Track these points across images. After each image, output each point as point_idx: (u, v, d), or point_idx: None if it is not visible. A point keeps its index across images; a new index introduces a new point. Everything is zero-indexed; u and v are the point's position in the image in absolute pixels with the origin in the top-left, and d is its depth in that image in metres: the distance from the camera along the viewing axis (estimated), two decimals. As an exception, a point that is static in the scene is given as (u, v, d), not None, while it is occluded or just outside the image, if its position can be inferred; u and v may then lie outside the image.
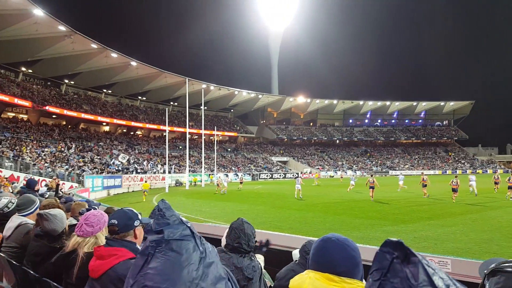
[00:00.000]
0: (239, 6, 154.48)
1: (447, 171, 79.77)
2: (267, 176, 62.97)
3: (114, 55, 47.30)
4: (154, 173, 43.61)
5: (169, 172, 42.52)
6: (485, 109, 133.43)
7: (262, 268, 3.10)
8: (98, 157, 41.10)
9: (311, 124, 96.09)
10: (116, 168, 39.07)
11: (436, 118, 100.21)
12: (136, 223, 2.33)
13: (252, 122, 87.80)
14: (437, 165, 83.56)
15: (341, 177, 53.14)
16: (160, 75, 58.74)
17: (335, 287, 1.21)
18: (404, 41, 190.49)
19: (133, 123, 58.60)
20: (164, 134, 51.98)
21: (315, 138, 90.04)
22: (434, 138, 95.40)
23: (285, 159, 78.29)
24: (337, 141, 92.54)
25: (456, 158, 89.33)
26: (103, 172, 36.05)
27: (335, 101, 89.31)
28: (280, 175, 65.21)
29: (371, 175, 25.40)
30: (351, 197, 24.82)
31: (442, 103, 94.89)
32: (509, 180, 21.81)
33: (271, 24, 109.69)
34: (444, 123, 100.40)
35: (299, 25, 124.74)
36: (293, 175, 64.86)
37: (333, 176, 70.52)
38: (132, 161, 44.79)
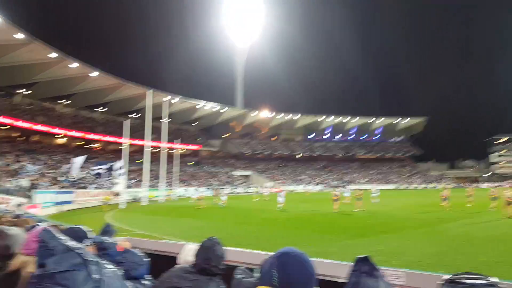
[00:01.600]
0: (206, 20, 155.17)
1: (402, 185, 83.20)
2: (229, 191, 62.57)
3: (74, 65, 45.65)
4: (110, 188, 41.97)
5: (127, 187, 41.12)
6: (437, 126, 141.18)
7: None
8: (51, 171, 39.08)
9: (274, 138, 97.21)
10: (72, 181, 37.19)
11: (392, 134, 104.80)
12: (86, 242, 2.21)
13: (215, 136, 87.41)
14: (392, 180, 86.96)
15: (307, 192, 54.08)
16: (121, 86, 57.32)
17: None
18: (362, 60, 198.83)
19: (90, 136, 56.45)
20: (123, 147, 50.54)
21: (277, 153, 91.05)
22: (390, 154, 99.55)
23: (247, 173, 78.35)
24: (298, 156, 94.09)
25: (410, 173, 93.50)
26: (74, 185, 34.15)
27: (296, 117, 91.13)
28: (242, 190, 65.03)
29: (339, 188, 26.09)
30: (311, 212, 25.16)
31: (397, 120, 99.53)
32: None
33: (237, 40, 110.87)
34: (399, 139, 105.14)
35: (265, 41, 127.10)
36: (255, 190, 64.82)
37: (293, 191, 71.33)
38: (85, 176, 42.94)
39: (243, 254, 4.83)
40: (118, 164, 36.16)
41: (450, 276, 1.19)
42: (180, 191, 54.75)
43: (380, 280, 0.67)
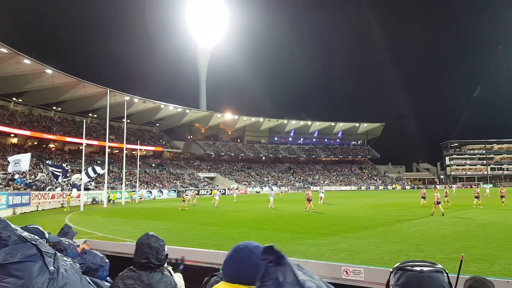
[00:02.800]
0: (168, 20, 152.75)
1: (362, 187, 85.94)
2: (193, 192, 61.84)
3: (26, 61, 43.37)
4: (68, 189, 40.28)
5: (86, 189, 39.59)
6: (394, 131, 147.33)
7: (180, 284, 3.01)
8: (2, 173, 36.91)
9: (239, 140, 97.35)
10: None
11: (352, 138, 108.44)
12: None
13: (179, 137, 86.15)
14: (353, 182, 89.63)
15: (282, 192, 54.60)
16: (78, 84, 55.15)
17: None
18: (325, 65, 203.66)
19: (45, 135, 53.86)
20: (81, 147, 48.63)
21: (242, 155, 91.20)
22: (350, 157, 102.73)
23: (212, 175, 77.86)
24: (263, 158, 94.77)
25: (370, 175, 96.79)
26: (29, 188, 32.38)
27: (261, 119, 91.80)
28: (206, 191, 64.51)
29: (308, 188, 26.79)
30: (276, 212, 25.42)
31: (357, 125, 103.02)
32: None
33: (200, 41, 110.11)
34: (359, 142, 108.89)
35: (228, 43, 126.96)
36: (220, 191, 64.50)
37: (259, 192, 71.77)
38: (41, 177, 40.94)
39: (208, 254, 4.80)
40: (95, 170, 35.13)
41: (400, 263, 1.26)
42: (143, 192, 53.42)
43: (288, 267, 0.65)
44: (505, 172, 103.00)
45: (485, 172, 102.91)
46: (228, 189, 67.67)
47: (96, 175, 36.82)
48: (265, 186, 77.50)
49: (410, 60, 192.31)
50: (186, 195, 34.75)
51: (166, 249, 2.49)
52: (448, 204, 28.33)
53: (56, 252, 0.80)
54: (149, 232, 2.48)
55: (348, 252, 10.79)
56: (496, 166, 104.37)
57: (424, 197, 28.57)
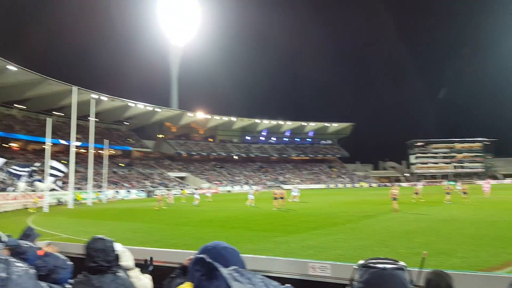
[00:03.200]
0: (139, 17, 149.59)
1: (331, 185, 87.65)
2: (163, 192, 60.87)
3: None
4: (32, 190, 38.65)
5: (50, 190, 38.15)
6: (363, 130, 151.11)
7: (148, 285, 3.00)
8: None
9: (211, 139, 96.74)
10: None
11: (322, 137, 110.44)
12: None
13: (149, 136, 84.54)
14: (322, 180, 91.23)
15: (257, 191, 54.50)
16: (43, 81, 53.05)
17: None
18: (297, 67, 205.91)
19: (7, 134, 51.49)
20: (45, 147, 46.81)
21: (214, 154, 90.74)
22: (320, 155, 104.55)
23: (183, 174, 76.97)
24: (235, 157, 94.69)
25: (338, 174, 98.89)
26: None
27: (233, 118, 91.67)
28: (177, 191, 63.68)
29: (279, 187, 27.37)
30: (247, 211, 25.50)
31: (327, 124, 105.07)
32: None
33: (172, 38, 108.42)
34: (329, 142, 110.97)
35: (201, 41, 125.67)
36: (191, 191, 63.88)
37: (230, 191, 71.69)
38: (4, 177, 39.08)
39: (177, 254, 4.79)
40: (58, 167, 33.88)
41: (364, 261, 1.33)
42: (110, 193, 52.11)
43: (221, 281, 0.61)
44: (466, 170, 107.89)
45: (448, 170, 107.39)
46: (200, 188, 67.10)
47: (62, 173, 35.65)
48: (237, 185, 77.49)
49: (378, 61, 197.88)
50: (162, 194, 34.46)
51: (116, 250, 2.48)
52: (422, 200, 29.56)
53: (8, 258, 0.76)
54: (96, 235, 2.48)
55: (316, 249, 11.02)
56: (458, 164, 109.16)
57: (417, 193, 30.85)
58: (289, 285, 0.73)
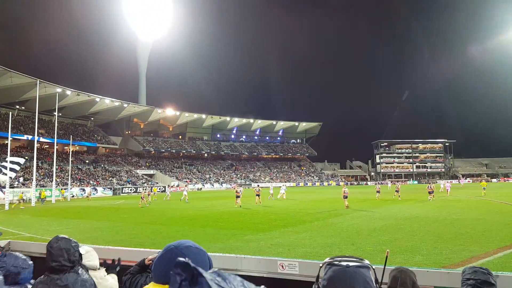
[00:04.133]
0: (106, 10, 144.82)
1: (300, 183, 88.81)
2: (130, 190, 59.57)
3: None
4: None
5: (11, 187, 36.43)
6: (331, 130, 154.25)
7: (114, 285, 2.93)
8: None
9: (180, 137, 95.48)
10: None
11: (292, 136, 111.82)
12: None
13: (115, 133, 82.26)
14: (292, 178, 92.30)
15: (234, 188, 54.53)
16: (4, 74, 50.52)
17: None
18: (267, 66, 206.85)
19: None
20: (6, 142, 44.58)
21: (184, 151, 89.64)
22: (290, 154, 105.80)
23: (151, 172, 75.52)
24: (206, 155, 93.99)
25: (307, 172, 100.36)
26: None
27: (204, 116, 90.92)
28: (145, 189, 62.43)
29: (236, 184, 28.24)
30: (217, 209, 25.39)
31: (297, 123, 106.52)
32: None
33: (140, 34, 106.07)
34: (298, 141, 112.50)
35: (170, 38, 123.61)
36: (159, 189, 62.81)
37: (201, 189, 71.11)
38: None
39: (144, 254, 4.70)
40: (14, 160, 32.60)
41: (330, 258, 1.36)
42: (75, 190, 50.37)
43: (205, 287, 0.57)
44: (429, 170, 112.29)
45: (411, 170, 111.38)
46: (168, 186, 66.12)
47: (21, 166, 34.26)
48: (207, 183, 76.97)
49: (345, 64, 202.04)
50: (144, 191, 34.67)
51: (79, 250, 2.45)
52: (399, 199, 31.12)
53: None
54: (58, 235, 2.44)
55: (285, 247, 11.13)
56: (420, 164, 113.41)
57: (397, 190, 33.38)
58: (263, 286, 0.70)
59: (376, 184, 39.65)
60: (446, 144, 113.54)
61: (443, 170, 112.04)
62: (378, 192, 33.14)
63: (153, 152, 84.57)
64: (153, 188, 54.13)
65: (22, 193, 38.40)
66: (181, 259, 0.64)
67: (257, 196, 28.93)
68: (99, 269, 2.98)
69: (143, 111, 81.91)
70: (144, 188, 56.34)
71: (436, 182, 75.77)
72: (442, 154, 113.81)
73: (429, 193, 29.71)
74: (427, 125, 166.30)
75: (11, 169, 33.21)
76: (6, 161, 32.63)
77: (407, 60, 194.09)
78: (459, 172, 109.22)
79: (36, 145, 40.01)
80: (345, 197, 23.96)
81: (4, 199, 32.33)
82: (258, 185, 32.99)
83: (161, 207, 29.66)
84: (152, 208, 28.67)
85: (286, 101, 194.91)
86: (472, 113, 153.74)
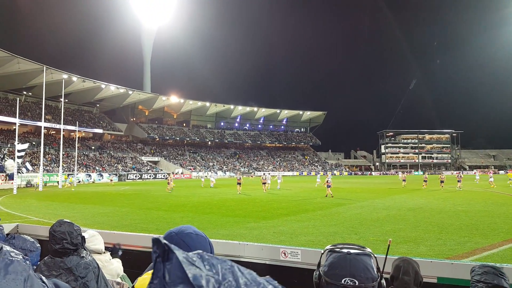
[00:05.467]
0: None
1: (304, 172, 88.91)
2: (135, 176, 60.03)
3: None
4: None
5: (18, 172, 36.86)
6: (335, 120, 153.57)
7: (118, 269, 2.99)
8: None
9: (184, 124, 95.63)
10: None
11: (296, 125, 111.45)
12: None
13: (121, 119, 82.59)
14: (296, 167, 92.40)
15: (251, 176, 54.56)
16: (11, 60, 50.66)
17: None
18: (272, 55, 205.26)
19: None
20: (14, 127, 44.91)
21: (188, 139, 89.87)
22: (293, 143, 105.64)
23: (156, 159, 75.93)
24: (209, 143, 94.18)
25: (311, 161, 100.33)
26: None
27: (208, 104, 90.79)
28: (150, 176, 62.91)
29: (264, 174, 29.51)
30: (220, 197, 25.55)
31: (301, 112, 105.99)
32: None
33: (144, 21, 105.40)
34: (302, 130, 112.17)
35: (175, 25, 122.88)
36: (163, 176, 63.22)
37: (207, 176, 71.50)
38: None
39: (147, 239, 4.77)
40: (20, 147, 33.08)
41: (331, 245, 1.38)
42: (81, 176, 50.82)
43: (175, 263, 0.56)
44: (435, 161, 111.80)
45: (417, 160, 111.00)
46: (173, 173, 66.52)
47: (23, 152, 34.70)
48: (210, 171, 77.32)
49: (350, 51, 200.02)
50: (170, 176, 35.54)
51: (82, 233, 2.50)
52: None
53: (4, 246, 0.71)
54: (61, 219, 2.49)
55: (287, 235, 11.22)
56: (426, 155, 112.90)
57: (404, 180, 36.62)
58: (268, 276, 0.66)
59: (402, 173, 42.55)
60: (453, 134, 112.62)
61: (449, 161, 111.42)
62: (404, 181, 36.62)
63: (157, 139, 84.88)
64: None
65: (68, 175, 42.92)
66: (155, 237, 0.62)
67: (263, 184, 29.87)
68: (104, 253, 3.04)
69: (148, 98, 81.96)
70: (168, 173, 57.34)
71: (442, 173, 75.51)
72: (449, 145, 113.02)
73: (441, 182, 31.25)
74: (434, 115, 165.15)
75: (19, 156, 33.68)
76: (14, 148, 33.09)
77: (415, 48, 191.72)
78: (466, 164, 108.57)
79: (43, 130, 40.27)
80: (328, 186, 24.72)
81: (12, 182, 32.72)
82: (264, 173, 34.14)
83: (166, 193, 29.79)
84: (156, 194, 28.83)
85: (290, 89, 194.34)
86: (480, 103, 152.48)
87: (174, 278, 0.55)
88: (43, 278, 0.73)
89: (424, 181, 34.33)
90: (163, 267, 0.56)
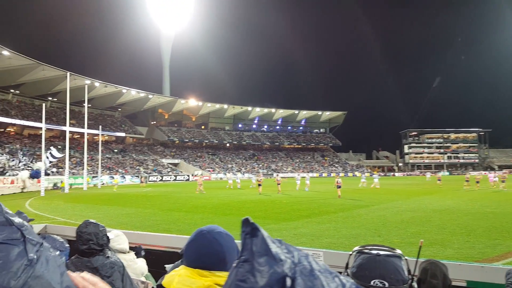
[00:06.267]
0: (130, 4, 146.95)
1: (323, 173, 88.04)
2: (156, 178, 60.91)
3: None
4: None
5: (46, 174, 38.05)
6: (356, 119, 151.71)
7: (143, 268, 3.03)
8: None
9: (203, 127, 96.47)
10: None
11: (314, 126, 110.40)
12: None
13: (141, 123, 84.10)
14: (315, 168, 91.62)
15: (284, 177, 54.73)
16: (37, 67, 52.40)
17: (205, 281, 1.22)
18: (290, 55, 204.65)
19: (3, 119, 51.14)
20: (40, 132, 46.34)
21: (207, 141, 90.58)
22: (313, 144, 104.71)
23: (176, 161, 76.89)
24: (227, 145, 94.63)
25: (331, 162, 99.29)
26: None
27: (225, 106, 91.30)
28: (170, 178, 63.71)
29: (258, 174, 28.84)
30: (239, 198, 25.59)
31: (320, 113, 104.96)
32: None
33: (163, 27, 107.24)
34: (321, 130, 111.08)
35: (192, 29, 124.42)
36: (184, 178, 64.04)
37: (222, 178, 71.80)
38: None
39: (169, 239, 4.81)
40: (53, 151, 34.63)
41: (360, 246, 1.34)
42: (105, 178, 51.94)
43: (261, 239, 0.64)
44: (461, 161, 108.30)
45: (442, 160, 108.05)
46: (192, 175, 67.15)
47: (56, 159, 35.96)
48: (229, 172, 77.61)
49: (372, 50, 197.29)
50: (200, 177, 36.36)
51: (107, 233, 2.55)
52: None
53: (44, 242, 0.76)
54: (87, 219, 2.55)
55: (308, 237, 11.10)
56: (452, 155, 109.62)
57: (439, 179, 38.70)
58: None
59: (431, 174, 44.34)
60: (481, 133, 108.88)
61: (476, 161, 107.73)
62: (439, 180, 38.36)
63: (177, 142, 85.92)
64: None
65: (115, 178, 45.71)
66: (245, 217, 0.72)
67: (278, 185, 30.69)
68: (128, 252, 3.09)
69: (167, 101, 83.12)
70: (194, 174, 58.23)
71: (470, 173, 73.52)
72: (476, 144, 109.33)
73: (477, 182, 31.75)
74: (459, 113, 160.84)
75: (48, 158, 34.99)
76: (48, 151, 34.43)
77: (438, 45, 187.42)
78: (495, 163, 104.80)
79: (68, 135, 41.42)
80: (339, 187, 25.17)
81: (39, 184, 33.74)
82: (277, 175, 34.92)
83: (187, 195, 30.04)
84: (177, 195, 29.10)
85: (309, 90, 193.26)
86: (508, 100, 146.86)
87: (260, 250, 0.62)
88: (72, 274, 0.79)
89: (466, 181, 32.81)
90: (251, 242, 0.64)
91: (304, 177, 37.98)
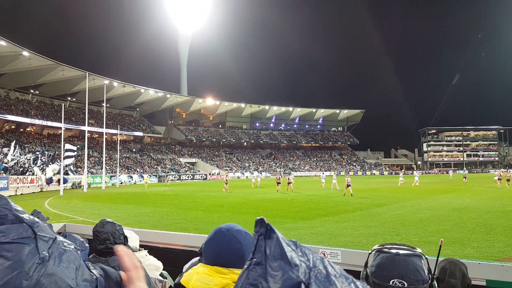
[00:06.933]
0: (148, 4, 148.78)
1: (341, 172, 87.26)
2: (174, 177, 61.58)
3: (2, 43, 41.77)
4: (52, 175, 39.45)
5: (65, 173, 38.90)
6: (374, 118, 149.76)
7: (158, 264, 3.06)
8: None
9: (220, 126, 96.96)
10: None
11: (332, 124, 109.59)
12: None
13: (159, 122, 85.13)
14: (333, 167, 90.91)
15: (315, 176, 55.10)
16: (56, 67, 53.59)
17: (224, 279, 1.22)
18: (308, 53, 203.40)
19: (23, 119, 52.48)
20: (60, 132, 47.47)
21: (224, 140, 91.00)
22: (330, 143, 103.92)
23: (193, 160, 77.54)
24: (245, 143, 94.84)
25: (349, 161, 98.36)
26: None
27: (243, 105, 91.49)
28: (188, 177, 64.32)
29: (284, 172, 29.29)
30: (256, 197, 25.64)
31: (337, 111, 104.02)
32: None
33: (180, 27, 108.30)
34: (339, 129, 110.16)
35: (209, 29, 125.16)
36: (201, 177, 64.58)
37: (239, 177, 72.07)
38: (21, 160, 39.86)
39: (187, 238, 4.84)
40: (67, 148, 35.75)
41: (379, 245, 1.32)
42: (123, 177, 52.84)
43: (276, 241, 0.62)
44: (481, 159, 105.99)
45: (461, 159, 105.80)
46: (210, 174, 67.63)
47: (74, 152, 37.09)
48: (246, 171, 77.80)
49: (391, 47, 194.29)
50: (226, 176, 37.10)
51: (124, 232, 2.55)
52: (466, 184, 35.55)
53: (58, 236, 0.74)
54: (104, 219, 2.55)
55: (326, 236, 11.04)
56: (472, 153, 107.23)
57: (465, 177, 38.72)
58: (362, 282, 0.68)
59: (453, 172, 44.44)
60: (501, 131, 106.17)
61: (496, 158, 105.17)
62: (464, 178, 38.36)
63: (194, 141, 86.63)
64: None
65: (148, 176, 48.23)
66: (260, 217, 0.68)
67: (288, 184, 30.80)
68: (139, 250, 3.12)
69: (185, 101, 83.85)
70: (221, 174, 59.03)
71: (489, 171, 71.68)
72: (496, 142, 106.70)
73: (507, 180, 31.47)
74: (479, 110, 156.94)
75: (66, 157, 35.78)
76: (67, 149, 35.43)
77: (458, 42, 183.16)
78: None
79: (86, 134, 42.27)
80: (348, 185, 25.64)
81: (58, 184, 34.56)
82: (290, 174, 35.36)
83: (202, 194, 30.27)
84: (194, 194, 29.33)
85: (326, 88, 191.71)
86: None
87: (275, 254, 0.60)
88: (91, 266, 0.78)
89: (499, 179, 32.64)
90: (264, 244, 0.61)
91: (331, 175, 38.01)
